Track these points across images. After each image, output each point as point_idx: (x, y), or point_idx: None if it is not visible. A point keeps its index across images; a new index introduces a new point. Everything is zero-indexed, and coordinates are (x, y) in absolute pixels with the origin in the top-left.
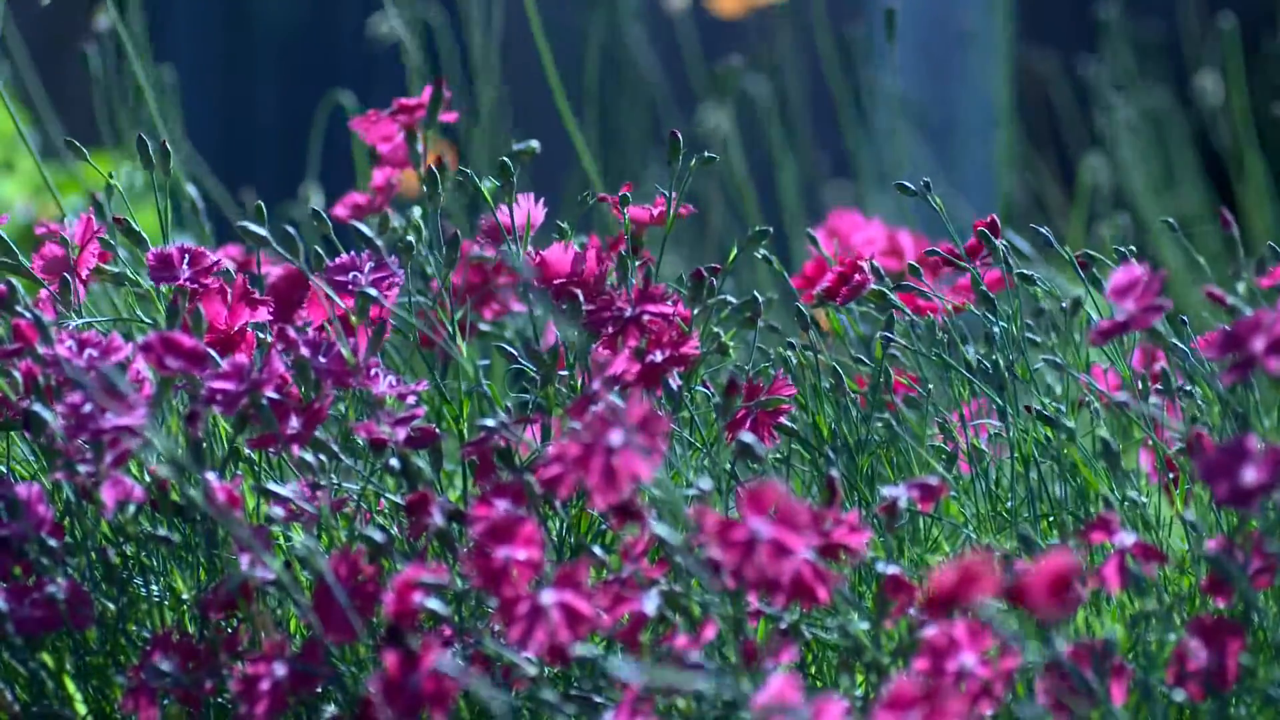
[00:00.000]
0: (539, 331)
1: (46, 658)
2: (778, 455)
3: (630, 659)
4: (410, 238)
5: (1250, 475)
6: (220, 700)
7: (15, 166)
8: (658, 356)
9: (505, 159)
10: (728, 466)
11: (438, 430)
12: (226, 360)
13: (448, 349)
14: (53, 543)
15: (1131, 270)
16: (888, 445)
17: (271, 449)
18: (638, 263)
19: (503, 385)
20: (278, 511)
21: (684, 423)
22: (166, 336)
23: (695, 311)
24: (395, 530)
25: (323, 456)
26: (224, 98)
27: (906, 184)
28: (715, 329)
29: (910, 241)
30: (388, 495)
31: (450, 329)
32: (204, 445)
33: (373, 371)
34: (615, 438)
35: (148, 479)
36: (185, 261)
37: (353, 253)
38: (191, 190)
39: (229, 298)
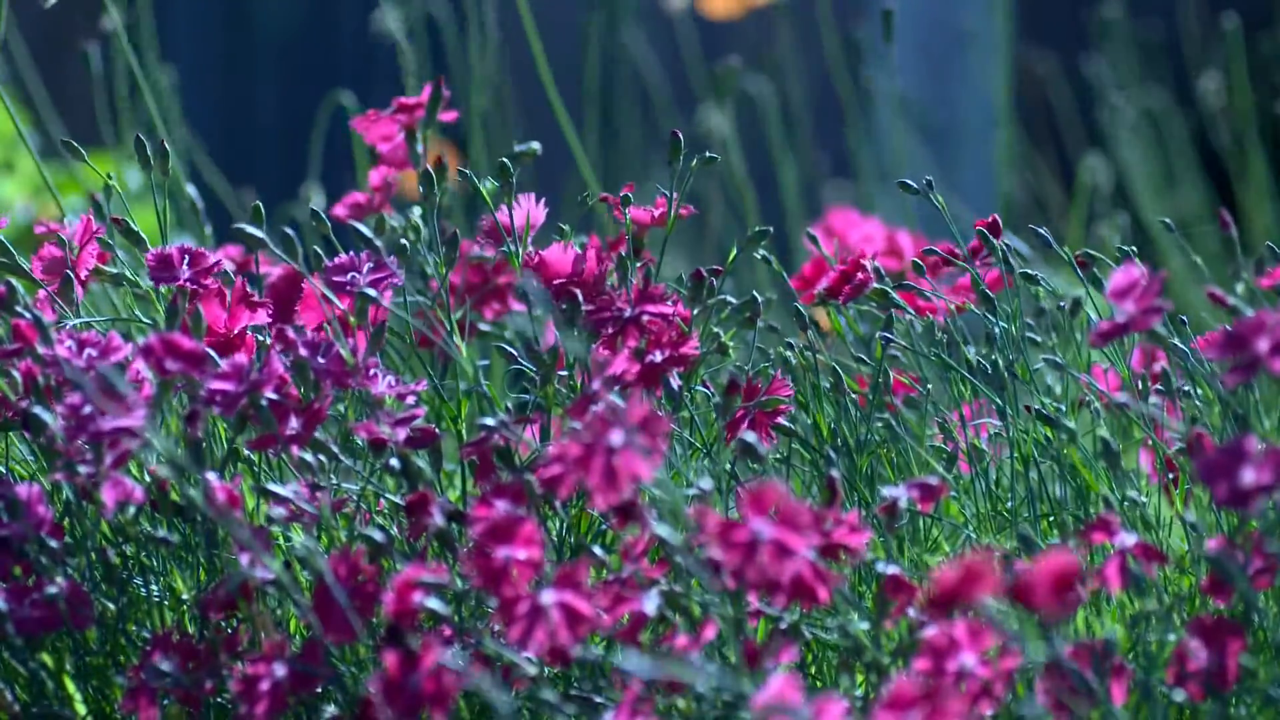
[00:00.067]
0: (539, 331)
1: (46, 658)
2: (778, 455)
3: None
4: (410, 237)
5: (1250, 476)
6: (220, 700)
7: (15, 167)
8: (657, 357)
9: (505, 159)
10: (728, 466)
11: (437, 430)
12: (226, 361)
13: (447, 349)
14: (53, 543)
15: (1131, 271)
16: (888, 445)
17: (271, 450)
18: (638, 263)
19: (502, 385)
20: (278, 512)
21: (684, 423)
22: (166, 339)
23: (695, 312)
24: (395, 530)
25: (322, 457)
26: (224, 98)
27: (909, 182)
28: (715, 329)
29: (909, 241)
30: (387, 495)
31: (449, 329)
32: (203, 446)
33: (372, 372)
34: (616, 438)
35: (148, 479)
36: (185, 262)
37: (351, 253)
38: (191, 190)
39: (228, 301)
